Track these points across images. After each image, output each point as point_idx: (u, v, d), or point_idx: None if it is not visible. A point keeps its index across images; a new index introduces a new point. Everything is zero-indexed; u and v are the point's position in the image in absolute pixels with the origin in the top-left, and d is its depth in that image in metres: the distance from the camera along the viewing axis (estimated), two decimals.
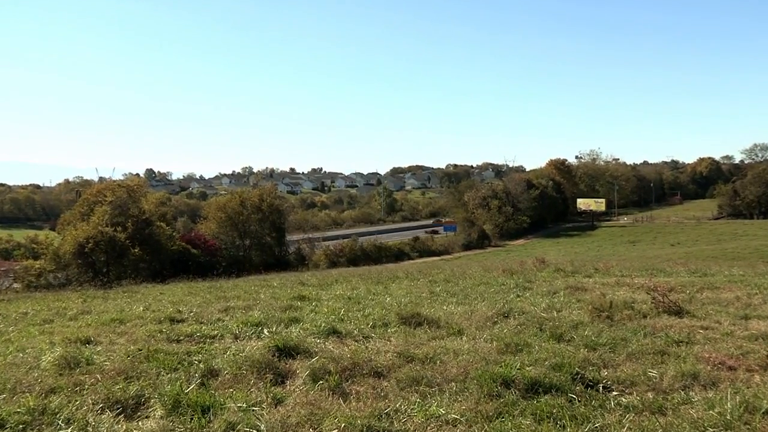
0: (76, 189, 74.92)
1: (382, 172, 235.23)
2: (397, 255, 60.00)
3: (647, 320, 6.94)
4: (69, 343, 6.59)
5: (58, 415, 4.17)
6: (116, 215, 34.29)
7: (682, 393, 4.41)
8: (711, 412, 3.95)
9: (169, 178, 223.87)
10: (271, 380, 4.89)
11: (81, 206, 37.84)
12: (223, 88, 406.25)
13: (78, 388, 4.75)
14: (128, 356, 5.72)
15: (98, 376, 4.99)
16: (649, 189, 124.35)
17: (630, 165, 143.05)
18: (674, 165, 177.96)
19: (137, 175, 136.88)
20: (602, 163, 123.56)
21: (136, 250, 32.61)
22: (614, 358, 5.36)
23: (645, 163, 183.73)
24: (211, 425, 3.97)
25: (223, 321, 7.94)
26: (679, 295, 8.63)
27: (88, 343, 6.64)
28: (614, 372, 4.94)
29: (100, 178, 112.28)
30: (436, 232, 76.40)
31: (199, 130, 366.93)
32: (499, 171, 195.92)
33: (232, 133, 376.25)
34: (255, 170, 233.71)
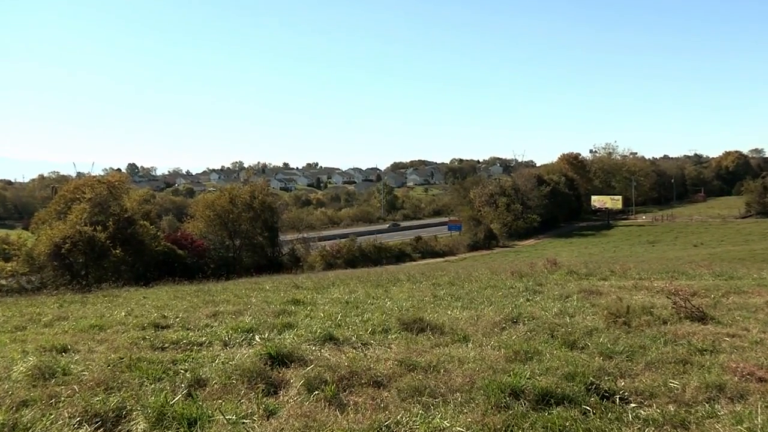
0: (52, 185, 74.86)
1: (382, 167, 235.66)
2: (398, 256, 60.10)
3: (668, 327, 6.93)
4: (43, 351, 6.59)
5: (30, 431, 4.16)
6: (96, 213, 34.24)
7: (707, 406, 4.40)
8: (739, 427, 3.93)
9: (154, 173, 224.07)
10: (263, 390, 4.88)
11: (57, 204, 37.76)
12: (211, 77, 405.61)
13: (53, 400, 4.73)
14: (108, 365, 5.71)
15: (75, 387, 4.98)
16: (670, 185, 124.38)
17: (649, 159, 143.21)
18: (697, 159, 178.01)
19: (119, 170, 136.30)
20: (619, 157, 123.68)
21: (117, 251, 32.58)
22: (632, 367, 5.35)
23: (665, 157, 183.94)
24: None
25: (212, 327, 7.94)
26: (703, 299, 8.61)
27: (65, 352, 6.64)
28: (632, 382, 4.93)
29: (78, 173, 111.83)
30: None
31: (186, 123, 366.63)
32: (507, 166, 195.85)
33: (222, 125, 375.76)
34: (246, 165, 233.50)
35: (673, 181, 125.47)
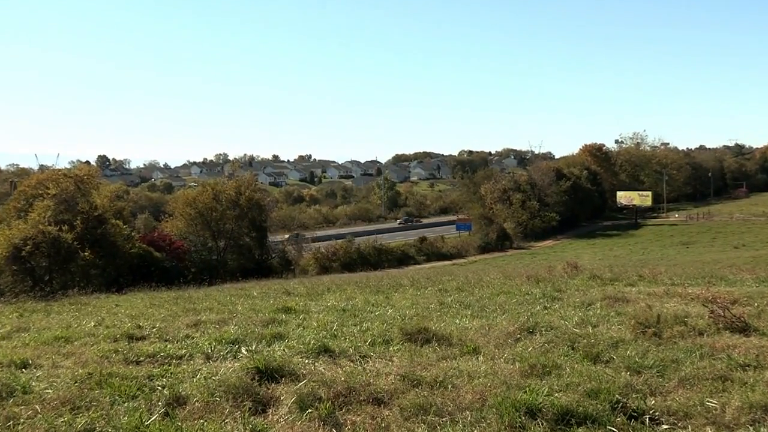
0: (11, 179, 74.75)
1: (383, 160, 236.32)
2: (401, 259, 60.25)
3: (704, 338, 6.92)
4: (1, 367, 6.59)
5: None
6: (61, 211, 34.24)
7: (750, 428, 4.38)
8: None
9: (127, 166, 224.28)
10: (249, 409, 4.88)
11: (17, 200, 37.82)
12: (192, 56, 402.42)
13: (11, 422, 4.71)
14: (76, 382, 5.71)
15: (37, 407, 4.97)
16: (707, 179, 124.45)
17: (683, 150, 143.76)
18: (738, 150, 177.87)
19: (87, 162, 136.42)
20: (648, 148, 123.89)
21: (86, 254, 32.59)
22: (663, 383, 5.35)
23: (702, 148, 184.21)
24: None
25: (193, 338, 7.96)
26: (745, 308, 8.55)
27: (25, 367, 6.63)
28: (663, 401, 4.93)
29: (41, 166, 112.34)
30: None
31: (164, 110, 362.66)
32: (522, 158, 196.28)
33: (204, 112, 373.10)
34: (231, 158, 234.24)
35: (710, 174, 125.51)
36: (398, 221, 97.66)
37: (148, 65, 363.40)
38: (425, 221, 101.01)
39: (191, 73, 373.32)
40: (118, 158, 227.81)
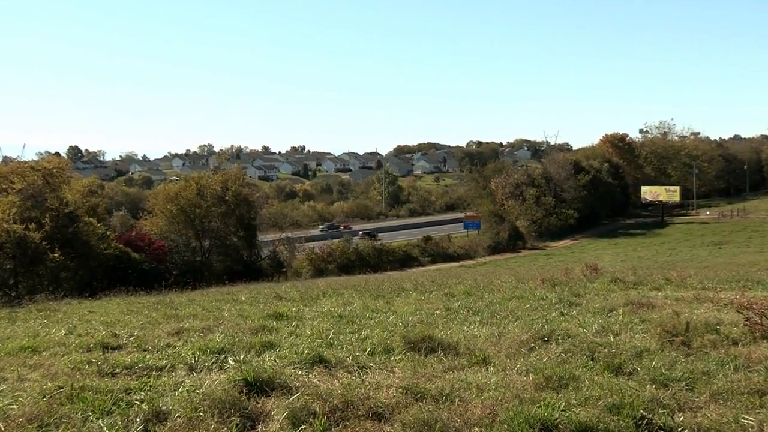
0: None
1: (384, 151, 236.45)
2: (404, 260, 60.39)
3: (739, 348, 6.93)
4: None
5: None
6: (28, 208, 34.26)
7: None
8: None
9: (102, 158, 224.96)
10: (237, 425, 4.89)
11: None
12: (172, 37, 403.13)
13: None
14: (44, 396, 5.71)
15: (1, 425, 4.97)
16: (742, 173, 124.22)
17: (715, 140, 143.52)
18: None
19: (57, 154, 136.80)
20: (676, 138, 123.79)
21: (55, 255, 32.59)
22: (693, 398, 5.36)
23: (736, 137, 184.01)
24: None
25: (174, 347, 7.97)
26: None
27: None
28: (693, 417, 4.94)
29: (5, 158, 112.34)
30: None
31: (143, 97, 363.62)
32: (537, 150, 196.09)
33: (187, 100, 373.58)
34: (216, 149, 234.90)
35: (746, 167, 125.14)
36: (320, 228, 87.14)
37: (124, 49, 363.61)
38: (426, 219, 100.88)
39: (173, 58, 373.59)
40: (91, 149, 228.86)
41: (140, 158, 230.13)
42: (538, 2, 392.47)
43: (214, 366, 6.75)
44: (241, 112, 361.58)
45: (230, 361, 6.81)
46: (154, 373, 6.62)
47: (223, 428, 4.84)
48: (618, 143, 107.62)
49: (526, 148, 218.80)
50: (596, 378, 5.83)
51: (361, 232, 76.47)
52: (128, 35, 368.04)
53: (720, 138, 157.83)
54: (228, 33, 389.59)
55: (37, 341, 8.96)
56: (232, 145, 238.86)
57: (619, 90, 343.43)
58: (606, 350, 6.82)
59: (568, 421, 4.60)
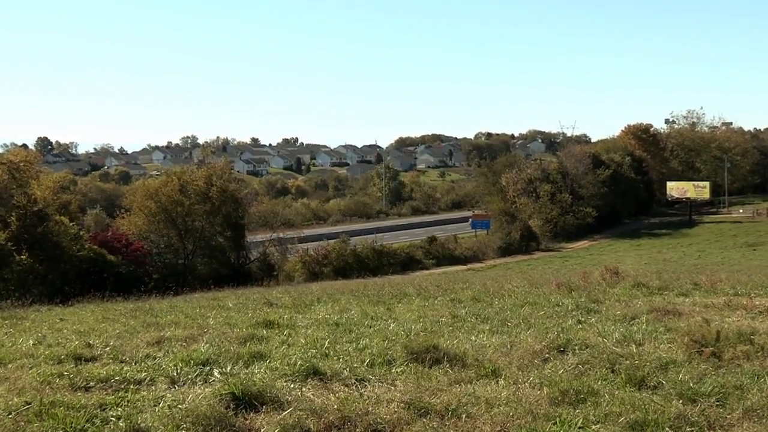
0: None
1: (384, 144, 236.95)
2: (406, 262, 60.30)
3: None
4: None
5: None
6: None
7: None
8: None
9: (74, 151, 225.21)
10: None
11: None
12: (154, 25, 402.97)
13: None
14: (9, 413, 5.70)
15: None
16: None
17: (749, 131, 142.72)
18: None
19: (24, 146, 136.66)
20: (706, 129, 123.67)
21: (23, 257, 32.63)
22: (724, 414, 5.36)
23: None
24: None
25: (155, 358, 7.97)
26: None
27: None
28: None
29: None
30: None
31: (119, 84, 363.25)
32: (552, 142, 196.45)
33: (168, 88, 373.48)
34: (201, 141, 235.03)
35: None
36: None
37: (99, 33, 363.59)
38: (432, 218, 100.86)
39: (152, 42, 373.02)
40: (62, 141, 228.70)
41: (117, 151, 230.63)
42: None
43: (198, 379, 6.75)
44: (228, 100, 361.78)
45: (216, 374, 6.80)
46: (132, 386, 6.61)
47: None
48: (641, 135, 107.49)
49: (540, 140, 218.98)
50: (617, 392, 5.83)
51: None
52: (99, 17, 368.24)
53: (755, 128, 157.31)
54: (213, 13, 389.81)
55: (2, 352, 8.95)
56: (218, 137, 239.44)
57: (642, 76, 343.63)
58: (628, 362, 6.81)
59: None
